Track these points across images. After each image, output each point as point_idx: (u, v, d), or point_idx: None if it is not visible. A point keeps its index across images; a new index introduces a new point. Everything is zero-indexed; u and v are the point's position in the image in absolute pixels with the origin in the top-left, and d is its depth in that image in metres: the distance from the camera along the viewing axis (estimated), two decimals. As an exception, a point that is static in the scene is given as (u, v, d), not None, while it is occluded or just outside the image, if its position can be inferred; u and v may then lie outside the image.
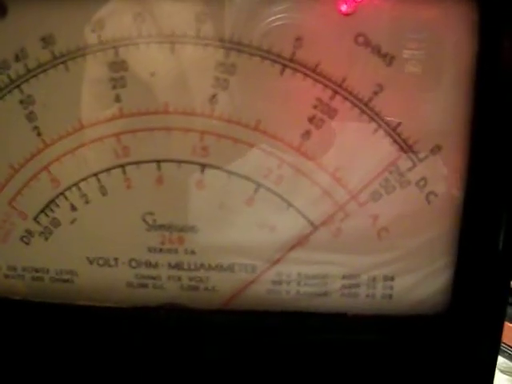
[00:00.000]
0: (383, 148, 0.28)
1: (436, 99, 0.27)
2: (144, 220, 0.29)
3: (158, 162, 0.28)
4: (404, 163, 0.28)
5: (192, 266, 0.30)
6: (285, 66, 0.27)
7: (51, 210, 0.30)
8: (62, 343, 0.30)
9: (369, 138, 0.28)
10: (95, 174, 0.29)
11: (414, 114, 0.28)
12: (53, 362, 0.30)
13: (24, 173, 0.29)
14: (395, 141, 0.28)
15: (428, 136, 0.28)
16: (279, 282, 0.30)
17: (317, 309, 0.30)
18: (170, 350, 0.30)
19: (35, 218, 0.30)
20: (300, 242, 0.29)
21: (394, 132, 0.28)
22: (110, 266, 0.30)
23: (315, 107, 0.27)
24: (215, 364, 0.30)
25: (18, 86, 0.28)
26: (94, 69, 0.28)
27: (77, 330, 0.30)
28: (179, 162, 0.28)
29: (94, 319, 0.30)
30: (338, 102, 0.27)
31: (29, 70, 0.28)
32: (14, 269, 0.31)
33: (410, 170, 0.28)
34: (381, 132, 0.28)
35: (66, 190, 0.29)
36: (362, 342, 0.29)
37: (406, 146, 0.28)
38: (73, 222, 0.30)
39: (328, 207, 0.29)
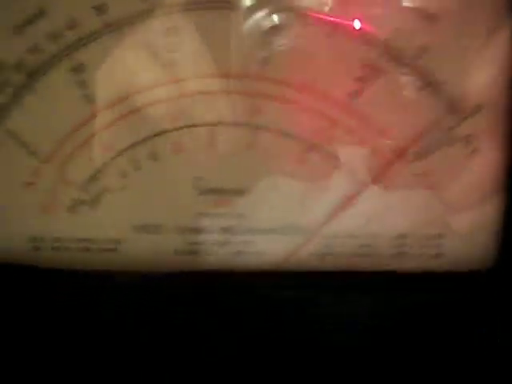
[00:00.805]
0: (429, 106, 0.29)
1: (481, 58, 0.28)
2: (194, 184, 0.30)
3: (211, 125, 0.29)
4: (449, 121, 0.29)
5: (242, 230, 0.30)
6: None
7: (100, 177, 0.30)
8: (111, 313, 0.30)
9: (415, 96, 0.29)
10: (146, 140, 0.29)
11: (459, 73, 0.29)
12: (100, 328, 0.30)
13: (74, 140, 0.29)
14: (441, 99, 0.29)
15: (472, 94, 0.29)
16: (330, 243, 0.30)
17: (366, 268, 0.30)
18: (221, 316, 0.29)
19: (84, 187, 0.30)
20: (350, 201, 0.30)
21: (439, 90, 0.29)
22: (157, 233, 0.30)
23: (362, 67, 0.28)
24: (267, 328, 0.29)
25: (69, 54, 0.29)
26: (148, 34, 0.28)
27: (126, 298, 0.30)
28: (231, 124, 0.29)
29: (142, 286, 0.30)
30: (384, 62, 0.28)
31: (81, 38, 0.28)
32: (60, 240, 0.31)
33: (455, 127, 0.29)
34: (427, 90, 0.29)
35: (116, 156, 0.30)
36: (412, 301, 0.29)
37: (451, 105, 0.29)
38: (122, 189, 0.30)
39: (377, 165, 0.29)
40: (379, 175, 0.29)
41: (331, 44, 0.28)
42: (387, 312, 0.29)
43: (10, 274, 0.30)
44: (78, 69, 0.29)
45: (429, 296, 0.29)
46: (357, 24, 0.28)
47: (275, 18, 0.28)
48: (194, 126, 0.29)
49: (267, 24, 0.28)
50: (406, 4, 0.28)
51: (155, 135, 0.29)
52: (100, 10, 0.28)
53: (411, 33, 0.28)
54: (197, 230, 0.30)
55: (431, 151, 0.29)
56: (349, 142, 0.29)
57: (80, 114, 0.29)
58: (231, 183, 0.30)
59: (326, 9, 0.28)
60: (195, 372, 0.30)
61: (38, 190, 0.30)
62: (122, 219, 0.30)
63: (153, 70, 0.29)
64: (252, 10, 0.28)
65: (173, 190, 0.30)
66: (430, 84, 0.29)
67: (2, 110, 0.29)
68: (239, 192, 0.30)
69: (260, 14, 0.28)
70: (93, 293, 0.30)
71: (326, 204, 0.30)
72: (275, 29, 0.28)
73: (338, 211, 0.30)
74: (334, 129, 0.29)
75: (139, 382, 0.30)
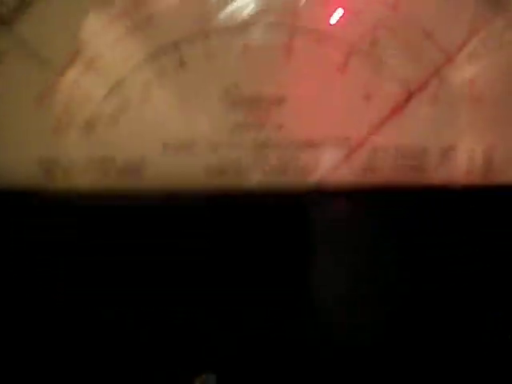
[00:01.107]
0: (479, 7, 0.27)
1: None
2: (226, 94, 0.27)
3: (242, 27, 0.26)
4: (500, 23, 0.27)
5: (280, 143, 0.27)
6: None
7: (121, 89, 0.27)
8: (133, 241, 0.27)
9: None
10: (171, 45, 0.26)
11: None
12: (124, 256, 0.27)
13: (90, 49, 0.27)
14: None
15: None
16: (375, 157, 0.28)
17: (413, 183, 0.28)
18: (259, 240, 0.27)
19: (103, 100, 0.27)
20: (396, 110, 0.27)
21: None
22: (186, 150, 0.28)
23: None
24: (311, 249, 0.27)
25: None
26: None
27: (152, 223, 0.27)
28: (266, 25, 0.26)
29: (169, 209, 0.27)
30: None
31: None
32: (75, 161, 0.28)
33: (507, 29, 0.27)
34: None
35: (138, 64, 0.27)
36: (463, 216, 0.27)
37: (501, 5, 0.27)
38: (145, 101, 0.27)
39: (423, 71, 0.27)
40: (426, 82, 0.27)
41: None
42: (436, 230, 0.27)
43: (20, 200, 0.27)
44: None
45: (479, 212, 0.27)
46: None
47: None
48: (223, 28, 0.26)
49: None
50: None
51: (181, 40, 0.26)
52: None
53: None
54: (230, 145, 0.27)
55: (482, 54, 0.27)
56: (394, 45, 0.27)
57: (97, 18, 0.26)
58: (267, 91, 0.27)
59: None
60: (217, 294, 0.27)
61: (51, 105, 0.27)
62: (147, 136, 0.27)
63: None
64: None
65: (203, 99, 0.27)
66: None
67: (11, 13, 0.26)
68: (276, 101, 0.27)
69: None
70: (114, 219, 0.27)
71: (369, 114, 0.27)
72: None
73: (384, 121, 0.27)
74: (378, 31, 0.27)
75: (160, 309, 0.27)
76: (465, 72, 0.27)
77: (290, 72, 0.27)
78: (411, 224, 0.27)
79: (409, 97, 0.27)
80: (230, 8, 0.26)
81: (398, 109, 0.27)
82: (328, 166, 0.28)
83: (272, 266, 0.27)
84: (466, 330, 0.28)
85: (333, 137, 0.28)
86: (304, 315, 0.27)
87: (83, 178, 0.28)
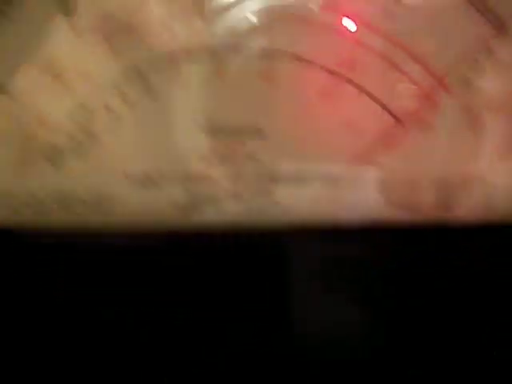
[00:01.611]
0: (473, 25, 0.25)
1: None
2: (198, 122, 0.25)
3: (216, 49, 0.24)
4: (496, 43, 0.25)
5: (258, 178, 0.25)
6: None
7: (84, 116, 0.25)
8: (99, 282, 0.25)
9: (460, 19, 0.24)
10: (139, 68, 0.24)
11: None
12: (87, 302, 0.24)
13: (50, 68, 0.24)
14: (486, 17, 0.25)
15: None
16: (361, 191, 0.25)
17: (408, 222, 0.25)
18: (238, 282, 0.24)
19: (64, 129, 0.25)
20: (385, 141, 0.25)
21: (484, 7, 0.24)
22: (155, 183, 0.25)
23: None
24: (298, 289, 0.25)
25: None
26: None
27: (117, 263, 0.25)
28: (242, 48, 0.24)
29: (136, 248, 0.25)
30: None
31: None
32: (36, 196, 0.26)
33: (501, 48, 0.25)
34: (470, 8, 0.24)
35: (103, 89, 0.25)
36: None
37: (497, 23, 0.25)
38: (112, 131, 0.25)
39: (414, 97, 0.25)
40: (419, 109, 0.25)
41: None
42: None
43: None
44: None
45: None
46: None
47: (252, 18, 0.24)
48: (196, 49, 0.24)
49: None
50: None
51: (149, 62, 0.24)
52: None
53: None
54: (202, 179, 0.25)
55: (476, 77, 0.25)
56: (381, 70, 0.25)
57: (57, 31, 0.24)
58: (244, 121, 0.25)
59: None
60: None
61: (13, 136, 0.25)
62: (114, 167, 0.25)
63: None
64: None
65: (173, 128, 0.25)
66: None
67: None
68: (254, 132, 0.25)
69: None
70: (77, 259, 0.25)
71: (358, 144, 0.25)
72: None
73: (372, 153, 0.25)
74: (364, 54, 0.24)
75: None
76: (459, 97, 0.25)
77: (269, 99, 0.25)
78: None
79: (399, 126, 0.25)
80: (202, 32, 0.24)
81: (387, 138, 0.25)
82: (310, 202, 0.25)
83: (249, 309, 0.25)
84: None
85: (316, 170, 0.25)
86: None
87: (47, 214, 0.25)
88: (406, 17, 0.24)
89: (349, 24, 0.24)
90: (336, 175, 0.25)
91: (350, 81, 0.25)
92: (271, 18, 0.24)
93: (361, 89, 0.24)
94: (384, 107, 0.25)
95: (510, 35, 0.25)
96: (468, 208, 0.26)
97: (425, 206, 0.26)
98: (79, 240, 0.25)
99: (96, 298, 0.25)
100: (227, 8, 0.24)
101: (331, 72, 0.24)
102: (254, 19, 0.24)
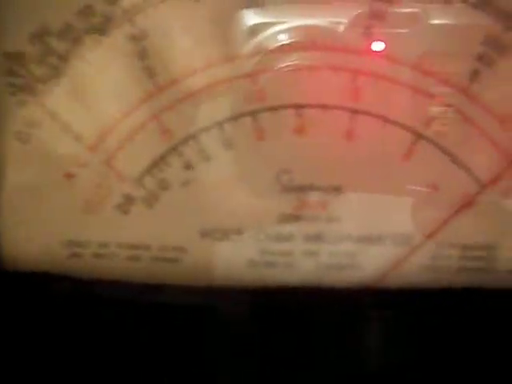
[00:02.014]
0: None
1: None
2: (278, 180, 0.24)
3: (299, 107, 0.24)
4: None
5: (335, 238, 0.25)
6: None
7: (159, 169, 0.24)
8: (163, 334, 0.24)
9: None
10: (219, 124, 0.24)
11: None
12: (156, 353, 0.24)
13: (128, 123, 0.24)
14: None
15: None
16: (439, 256, 0.25)
17: (483, 286, 0.25)
18: (308, 339, 0.24)
19: (138, 180, 0.24)
20: (465, 205, 0.25)
21: None
22: (228, 239, 0.25)
23: (484, 43, 0.24)
24: (365, 352, 0.24)
25: (130, 19, 0.23)
26: None
27: (189, 319, 0.24)
28: (325, 107, 0.24)
29: (206, 305, 0.24)
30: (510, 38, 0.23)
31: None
32: (107, 246, 0.25)
33: None
34: None
35: (179, 143, 0.24)
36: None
37: None
38: (185, 184, 0.24)
39: (498, 161, 0.24)
40: (500, 175, 0.24)
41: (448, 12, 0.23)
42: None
43: (45, 285, 0.24)
44: (138, 36, 0.23)
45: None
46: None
47: (282, 37, 0.23)
48: (282, 107, 0.24)
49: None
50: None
51: (230, 118, 0.24)
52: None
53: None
54: (278, 237, 0.25)
55: None
56: (467, 133, 0.24)
57: (136, 91, 0.24)
58: (323, 179, 0.24)
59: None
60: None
61: (81, 183, 0.25)
62: (187, 222, 0.25)
63: (232, 36, 0.23)
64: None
65: (250, 186, 0.24)
66: None
67: (41, 84, 0.24)
68: (333, 190, 0.24)
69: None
70: (147, 313, 0.24)
71: (437, 207, 0.25)
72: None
73: (452, 216, 0.25)
74: (449, 116, 0.24)
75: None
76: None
77: (349, 158, 0.24)
78: (479, 328, 0.24)
79: (481, 190, 0.24)
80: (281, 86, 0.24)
81: (468, 202, 0.25)
82: (386, 264, 0.25)
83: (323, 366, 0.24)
84: None
85: (393, 232, 0.25)
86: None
87: (115, 266, 0.25)
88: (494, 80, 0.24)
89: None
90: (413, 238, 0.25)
91: (433, 142, 0.24)
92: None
93: (448, 153, 0.24)
94: (468, 171, 0.24)
95: None
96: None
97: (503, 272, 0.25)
98: (146, 292, 0.24)
99: (158, 351, 0.24)
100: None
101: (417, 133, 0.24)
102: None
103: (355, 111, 0.24)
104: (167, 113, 0.24)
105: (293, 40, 0.23)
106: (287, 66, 0.23)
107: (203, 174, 0.24)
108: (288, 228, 0.25)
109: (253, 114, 0.24)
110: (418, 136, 0.24)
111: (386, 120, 0.24)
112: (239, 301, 0.24)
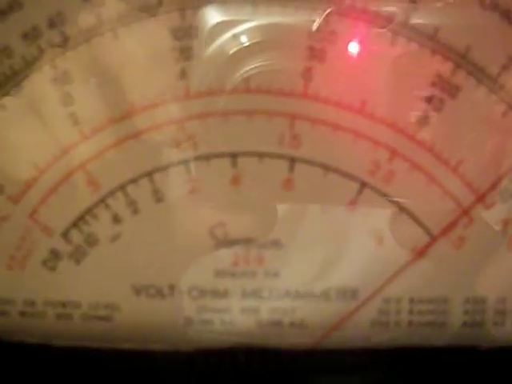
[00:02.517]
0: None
1: None
2: (212, 234, 0.23)
3: (234, 155, 0.22)
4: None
5: (274, 294, 0.23)
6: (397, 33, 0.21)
7: (86, 222, 0.23)
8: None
9: (498, 121, 0.22)
10: (148, 174, 0.22)
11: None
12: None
13: (52, 174, 0.22)
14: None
15: None
16: (387, 311, 0.23)
17: (433, 342, 0.23)
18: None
19: (64, 235, 0.23)
20: (414, 257, 0.23)
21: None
22: (163, 296, 0.23)
23: (434, 84, 0.22)
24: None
25: (51, 60, 0.22)
26: (152, 36, 0.21)
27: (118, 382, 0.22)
28: (262, 155, 0.22)
29: (143, 367, 0.23)
30: (460, 78, 0.22)
31: (66, 39, 0.21)
32: (33, 304, 0.23)
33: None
34: (512, 115, 0.22)
35: (107, 195, 0.22)
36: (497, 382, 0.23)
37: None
38: (115, 238, 0.23)
39: (449, 211, 0.23)
40: (452, 225, 0.23)
41: (392, 53, 0.22)
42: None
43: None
44: (62, 79, 0.22)
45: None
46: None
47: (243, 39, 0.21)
48: (215, 156, 0.22)
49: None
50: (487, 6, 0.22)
51: (160, 169, 0.22)
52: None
53: (494, 42, 0.22)
54: (215, 293, 0.23)
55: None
56: (415, 181, 0.22)
57: (62, 138, 0.22)
58: (261, 232, 0.23)
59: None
60: None
61: (3, 237, 0.23)
62: (118, 278, 0.23)
63: (158, 81, 0.22)
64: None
65: (183, 240, 0.23)
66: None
67: None
68: (271, 244, 0.23)
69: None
70: (75, 377, 0.23)
71: (384, 260, 0.23)
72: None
73: (400, 269, 0.23)
74: (394, 165, 0.22)
75: None
76: (497, 211, 0.23)
77: (289, 209, 0.23)
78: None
79: (431, 241, 0.23)
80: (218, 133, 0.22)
81: (417, 254, 0.23)
82: (330, 321, 0.23)
83: None
84: None
85: (337, 287, 0.23)
86: None
87: (42, 325, 0.23)
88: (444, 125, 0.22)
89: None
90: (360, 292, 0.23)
91: (381, 193, 0.22)
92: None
93: (395, 203, 0.22)
94: (417, 220, 0.23)
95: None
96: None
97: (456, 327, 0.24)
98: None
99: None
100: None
101: (360, 181, 0.22)
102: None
103: (293, 159, 0.22)
104: (93, 162, 0.22)
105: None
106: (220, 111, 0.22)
107: (133, 227, 0.23)
108: (224, 284, 0.23)
109: (185, 163, 0.22)
110: (363, 185, 0.22)
111: (327, 168, 0.22)
112: (174, 363, 0.22)
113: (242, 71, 0.21)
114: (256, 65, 0.21)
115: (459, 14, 0.22)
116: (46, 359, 0.23)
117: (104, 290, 0.23)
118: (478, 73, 0.22)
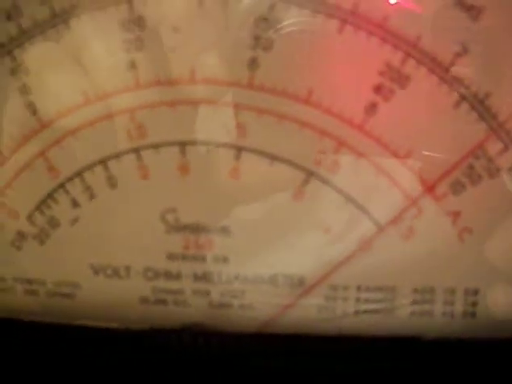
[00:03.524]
0: (467, 126, 0.22)
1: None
2: (163, 219, 0.24)
3: (182, 144, 0.23)
4: (493, 145, 0.22)
5: (224, 278, 0.24)
6: (344, 20, 0.21)
7: (48, 206, 0.24)
8: (58, 372, 0.24)
9: (449, 112, 0.22)
10: (102, 161, 0.23)
11: (508, 83, 0.22)
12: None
13: (15, 160, 0.24)
14: (482, 117, 0.22)
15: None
16: (333, 298, 0.24)
17: (381, 332, 0.24)
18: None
19: (29, 217, 0.24)
20: (361, 246, 0.23)
21: (480, 105, 0.22)
22: (120, 276, 0.25)
23: (382, 74, 0.22)
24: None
25: (10, 52, 0.23)
26: (103, 28, 0.22)
27: (78, 356, 0.24)
28: (208, 144, 0.23)
29: (100, 343, 0.24)
30: (410, 67, 0.21)
31: (23, 32, 0.22)
32: (3, 280, 0.25)
33: (501, 153, 0.22)
34: (464, 105, 0.22)
35: (66, 181, 0.24)
36: (439, 373, 0.23)
37: (496, 124, 0.22)
38: (74, 221, 0.24)
39: (397, 202, 0.23)
40: (400, 216, 0.23)
41: (340, 42, 0.21)
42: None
43: None
44: (19, 70, 0.23)
45: (460, 367, 0.23)
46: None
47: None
48: (164, 144, 0.23)
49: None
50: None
51: (113, 156, 0.23)
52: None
53: (446, 29, 0.21)
54: (168, 275, 0.24)
55: (468, 184, 0.22)
56: (361, 172, 0.22)
57: (22, 126, 0.23)
58: (210, 218, 0.23)
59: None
60: None
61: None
62: (79, 258, 0.24)
63: (109, 72, 0.22)
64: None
65: (137, 224, 0.24)
66: (469, 97, 0.22)
67: None
68: (220, 231, 0.23)
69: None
70: (40, 350, 0.24)
71: (331, 249, 0.23)
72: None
73: (347, 258, 0.23)
74: (342, 154, 0.22)
75: None
76: (447, 203, 0.23)
77: (236, 197, 0.23)
78: (376, 379, 0.23)
79: (378, 231, 0.23)
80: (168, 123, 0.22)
81: (364, 243, 0.23)
82: (278, 305, 0.24)
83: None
84: None
85: (284, 273, 0.24)
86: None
87: (9, 301, 0.25)
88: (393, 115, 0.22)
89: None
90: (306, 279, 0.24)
91: (326, 182, 0.23)
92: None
93: (342, 193, 0.22)
94: (364, 210, 0.23)
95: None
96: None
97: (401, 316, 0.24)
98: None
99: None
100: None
101: (307, 171, 0.22)
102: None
103: (240, 148, 0.22)
104: (52, 150, 0.23)
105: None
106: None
107: (90, 212, 0.24)
108: (177, 267, 0.24)
109: (136, 151, 0.23)
110: (309, 174, 0.23)
111: (273, 157, 0.22)
112: (126, 341, 0.24)
113: (188, 61, 0.22)
114: (202, 55, 0.22)
115: (410, 1, 0.21)
116: (14, 333, 0.24)
117: (66, 269, 0.25)
118: (429, 62, 0.22)
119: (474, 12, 0.21)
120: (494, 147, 0.22)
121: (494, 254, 0.23)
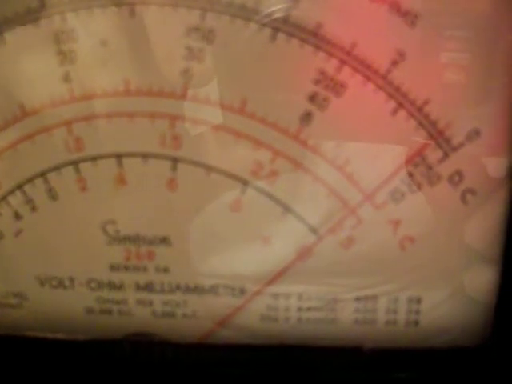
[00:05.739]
0: (405, 134, 0.22)
1: (473, 71, 0.21)
2: (104, 230, 0.24)
3: (119, 156, 0.23)
4: (433, 153, 0.22)
5: (166, 288, 0.24)
6: (277, 29, 0.21)
7: (-9, 218, 0.24)
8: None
9: (387, 120, 0.21)
10: (42, 174, 0.23)
11: (446, 90, 0.21)
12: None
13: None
14: (421, 124, 0.22)
15: (463, 118, 0.21)
16: (275, 307, 0.24)
17: (323, 341, 0.24)
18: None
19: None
20: (301, 255, 0.23)
21: (419, 113, 0.21)
22: (65, 287, 0.25)
23: (317, 82, 0.21)
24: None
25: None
26: (37, 40, 0.22)
27: (24, 367, 0.24)
28: (145, 155, 0.22)
29: (46, 353, 0.24)
30: (346, 75, 0.21)
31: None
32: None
33: (440, 161, 0.22)
34: (402, 113, 0.21)
35: (7, 194, 0.24)
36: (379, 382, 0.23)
37: (434, 131, 0.22)
38: (18, 233, 0.24)
39: (336, 211, 0.23)
40: (339, 224, 0.23)
41: (272, 51, 0.21)
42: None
43: None
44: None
45: (403, 376, 0.23)
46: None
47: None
48: (102, 157, 0.23)
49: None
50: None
51: (53, 168, 0.23)
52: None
53: (382, 36, 0.21)
54: (111, 286, 0.24)
55: (408, 192, 0.22)
56: (297, 181, 0.22)
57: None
58: (150, 229, 0.23)
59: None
60: None
61: None
62: (24, 269, 0.25)
63: (44, 85, 0.22)
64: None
65: (79, 236, 0.24)
66: (406, 105, 0.21)
67: None
68: (160, 241, 0.23)
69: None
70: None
71: (270, 258, 0.23)
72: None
73: (286, 267, 0.23)
74: (279, 163, 0.22)
75: None
76: (387, 212, 0.22)
77: (174, 208, 0.23)
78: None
79: (317, 240, 0.23)
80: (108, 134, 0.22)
81: (303, 253, 0.23)
82: (219, 315, 0.24)
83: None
84: None
85: (225, 283, 0.24)
86: None
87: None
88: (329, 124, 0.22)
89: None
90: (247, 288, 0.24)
91: (263, 192, 0.22)
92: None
93: (280, 203, 0.22)
94: (302, 220, 0.23)
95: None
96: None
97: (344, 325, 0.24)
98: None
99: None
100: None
101: (243, 181, 0.22)
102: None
103: (176, 159, 0.22)
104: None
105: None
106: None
107: (32, 224, 0.24)
108: (119, 277, 0.24)
109: (74, 163, 0.23)
110: (246, 184, 0.22)
111: (209, 168, 0.22)
112: (70, 351, 0.24)
113: (121, 73, 0.22)
114: (135, 66, 0.22)
115: (344, 8, 0.21)
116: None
117: (13, 280, 0.25)
118: (365, 69, 0.21)
119: (409, 17, 0.21)
120: (433, 155, 0.22)
121: (435, 263, 0.23)
